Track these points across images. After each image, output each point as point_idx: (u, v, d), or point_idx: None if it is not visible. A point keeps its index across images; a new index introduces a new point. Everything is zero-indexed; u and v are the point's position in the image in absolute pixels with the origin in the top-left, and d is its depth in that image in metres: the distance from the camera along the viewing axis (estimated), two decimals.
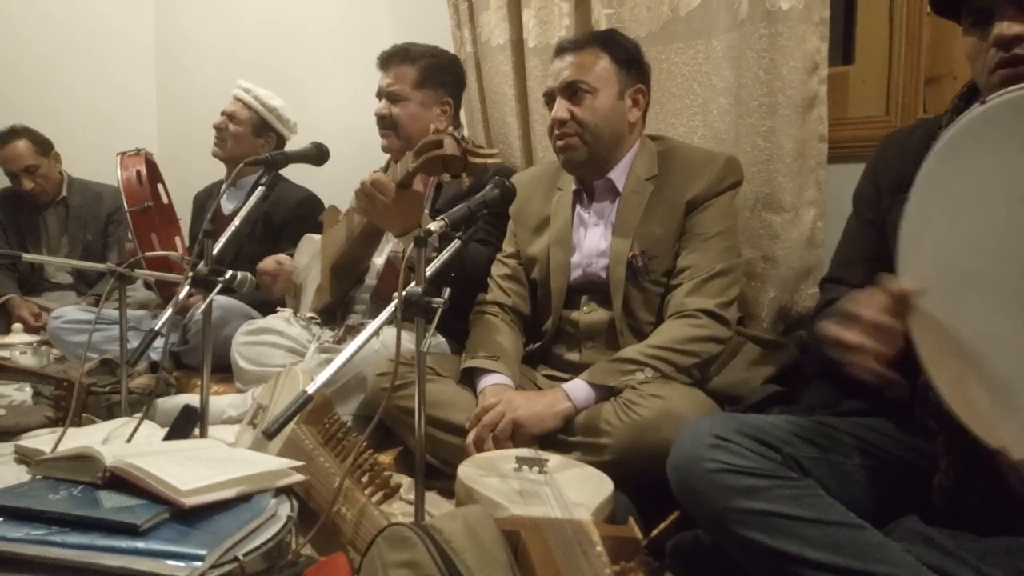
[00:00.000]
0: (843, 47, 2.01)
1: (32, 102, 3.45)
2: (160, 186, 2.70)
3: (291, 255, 2.49)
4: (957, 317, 0.93)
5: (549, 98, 1.77)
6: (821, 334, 1.04)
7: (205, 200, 3.00)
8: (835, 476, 1.09)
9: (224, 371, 2.19)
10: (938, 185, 0.96)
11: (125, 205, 2.56)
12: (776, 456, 1.06)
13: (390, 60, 2.19)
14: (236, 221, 1.67)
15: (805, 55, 1.81)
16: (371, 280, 2.23)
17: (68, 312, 2.60)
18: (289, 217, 2.70)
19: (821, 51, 1.81)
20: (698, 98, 2.04)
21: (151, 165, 2.67)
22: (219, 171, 2.93)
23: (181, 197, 2.91)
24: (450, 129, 2.13)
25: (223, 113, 2.81)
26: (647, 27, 2.08)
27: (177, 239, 2.71)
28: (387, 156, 2.35)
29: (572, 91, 1.72)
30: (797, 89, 1.82)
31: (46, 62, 3.61)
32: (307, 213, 2.66)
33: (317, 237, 2.39)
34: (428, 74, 2.17)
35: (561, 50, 1.77)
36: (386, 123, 2.19)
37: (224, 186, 2.65)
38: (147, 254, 2.35)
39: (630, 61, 1.75)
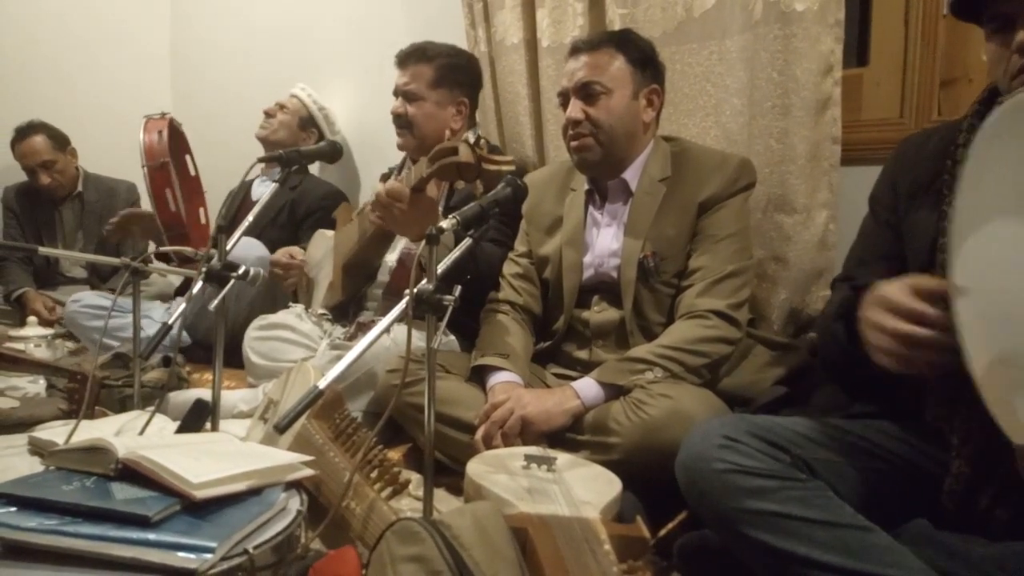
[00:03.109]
0: (858, 49, 2.00)
1: (49, 99, 3.48)
2: (188, 157, 2.76)
3: (304, 248, 2.50)
4: (997, 303, 0.92)
5: (563, 98, 1.77)
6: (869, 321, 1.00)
7: (237, 194, 3.04)
8: (844, 478, 1.08)
9: (232, 355, 2.15)
10: (983, 176, 0.94)
11: (143, 162, 2.60)
12: (785, 457, 1.06)
13: (407, 59, 2.21)
14: (250, 217, 1.68)
15: (819, 57, 1.80)
16: (383, 277, 2.24)
17: (86, 297, 2.64)
18: (314, 208, 2.78)
19: (836, 53, 1.80)
20: (711, 99, 2.03)
21: (177, 132, 2.73)
22: (234, 167, 2.94)
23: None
24: (467, 135, 2.14)
25: (276, 103, 2.96)
26: (661, 27, 2.07)
27: (201, 211, 2.76)
28: (402, 154, 2.36)
29: (587, 91, 1.71)
30: (811, 91, 1.81)
31: (64, 61, 3.64)
32: (331, 206, 2.71)
33: (330, 233, 2.40)
34: (444, 74, 2.19)
35: (576, 50, 1.77)
36: (401, 121, 2.21)
37: (247, 180, 2.65)
38: (162, 254, 2.36)
39: (645, 61, 1.75)
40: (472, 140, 1.48)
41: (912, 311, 0.95)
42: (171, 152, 2.64)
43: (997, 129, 0.91)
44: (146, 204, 3.16)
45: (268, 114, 2.95)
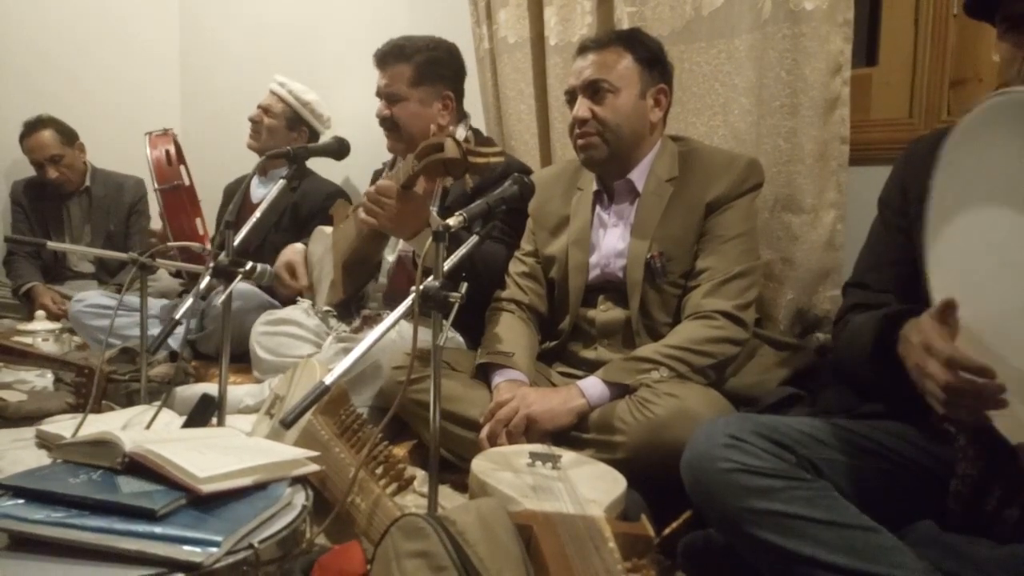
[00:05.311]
0: (867, 48, 2.00)
1: (59, 98, 3.48)
2: (183, 168, 2.74)
3: (306, 244, 2.51)
4: (982, 311, 0.92)
5: (571, 96, 1.76)
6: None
7: (235, 191, 3.03)
8: (850, 479, 1.08)
9: (238, 360, 2.19)
10: (954, 176, 0.95)
11: (155, 183, 2.59)
12: (791, 457, 1.06)
13: (385, 59, 2.15)
14: (257, 213, 1.69)
15: (828, 56, 1.79)
16: (383, 278, 2.23)
17: (90, 296, 2.61)
18: (316, 209, 2.72)
19: (844, 52, 1.79)
20: (719, 98, 2.03)
21: (177, 146, 2.71)
22: (242, 166, 2.96)
23: (202, 193, 2.93)
24: (451, 128, 2.12)
25: (259, 106, 2.87)
26: (669, 26, 2.07)
27: (199, 221, 2.75)
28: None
29: (594, 90, 1.71)
30: (819, 90, 1.81)
31: (73, 60, 3.65)
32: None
33: (329, 229, 2.40)
34: (425, 70, 2.13)
35: (584, 49, 1.77)
36: (387, 124, 2.17)
37: (250, 175, 2.67)
38: (172, 244, 2.38)
39: (653, 61, 1.75)
40: (462, 133, 1.46)
41: (959, 362, 0.90)
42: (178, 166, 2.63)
43: (964, 135, 0.91)
44: (153, 205, 3.18)
45: (254, 121, 2.85)
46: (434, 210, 2.00)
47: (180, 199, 2.59)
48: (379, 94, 2.18)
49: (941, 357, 0.92)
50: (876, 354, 1.13)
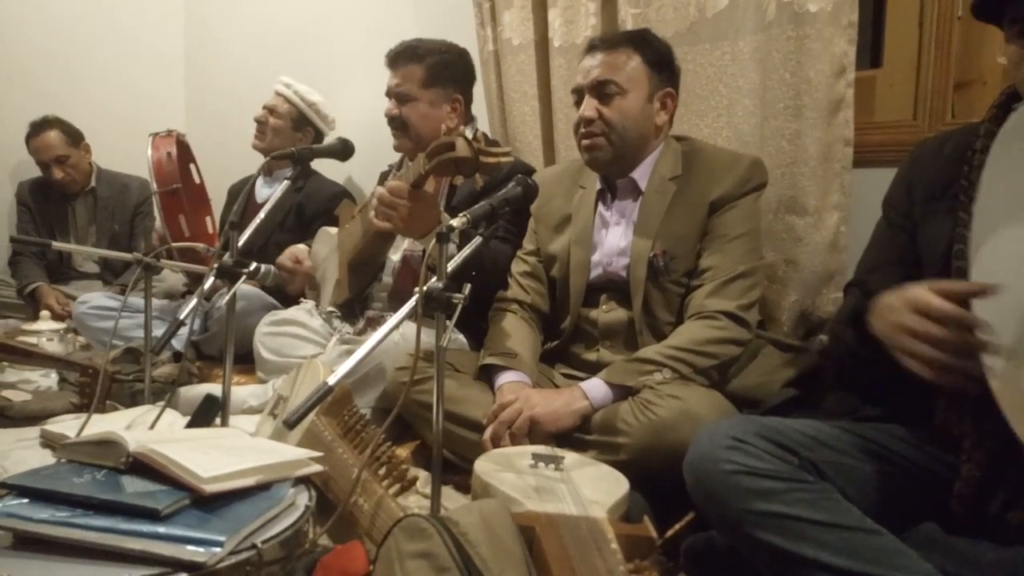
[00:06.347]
0: (871, 51, 1.99)
1: (64, 99, 3.49)
2: (192, 166, 2.75)
3: (310, 245, 2.51)
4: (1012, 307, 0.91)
5: (578, 95, 1.76)
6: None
7: (240, 191, 3.03)
8: (853, 481, 1.08)
9: (242, 361, 2.20)
10: (1000, 181, 0.94)
11: (154, 186, 2.59)
12: (793, 459, 1.05)
13: (397, 59, 2.18)
14: (262, 214, 1.69)
15: (832, 58, 1.79)
16: (387, 278, 2.24)
17: (94, 298, 2.62)
18: (321, 210, 2.73)
19: (849, 54, 1.79)
20: (723, 99, 2.02)
21: (183, 146, 2.71)
22: (246, 167, 2.96)
23: (208, 192, 2.94)
24: (462, 128, 2.13)
25: (264, 107, 2.88)
26: (673, 27, 2.07)
27: (208, 219, 2.75)
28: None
29: (602, 90, 1.70)
30: (823, 92, 1.81)
31: (79, 61, 3.66)
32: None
33: (333, 230, 2.40)
34: (436, 72, 2.15)
35: (593, 48, 1.76)
36: (396, 123, 2.18)
37: (255, 175, 2.69)
38: (175, 245, 2.38)
39: (662, 64, 1.74)
40: (469, 135, 1.47)
41: (959, 317, 0.90)
42: (179, 169, 2.63)
43: (1013, 135, 0.90)
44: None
45: (259, 122, 2.87)
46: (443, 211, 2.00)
47: (179, 202, 2.59)
48: (389, 93, 2.19)
49: (945, 316, 0.91)
50: (849, 322, 1.14)
